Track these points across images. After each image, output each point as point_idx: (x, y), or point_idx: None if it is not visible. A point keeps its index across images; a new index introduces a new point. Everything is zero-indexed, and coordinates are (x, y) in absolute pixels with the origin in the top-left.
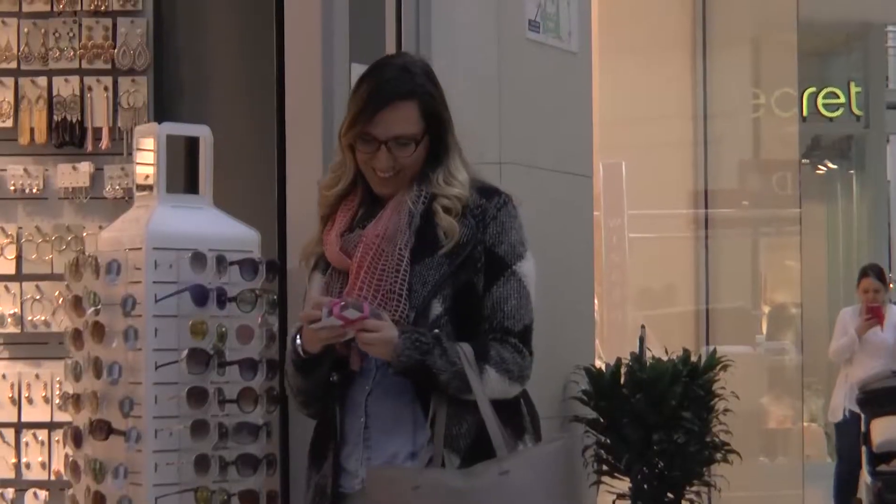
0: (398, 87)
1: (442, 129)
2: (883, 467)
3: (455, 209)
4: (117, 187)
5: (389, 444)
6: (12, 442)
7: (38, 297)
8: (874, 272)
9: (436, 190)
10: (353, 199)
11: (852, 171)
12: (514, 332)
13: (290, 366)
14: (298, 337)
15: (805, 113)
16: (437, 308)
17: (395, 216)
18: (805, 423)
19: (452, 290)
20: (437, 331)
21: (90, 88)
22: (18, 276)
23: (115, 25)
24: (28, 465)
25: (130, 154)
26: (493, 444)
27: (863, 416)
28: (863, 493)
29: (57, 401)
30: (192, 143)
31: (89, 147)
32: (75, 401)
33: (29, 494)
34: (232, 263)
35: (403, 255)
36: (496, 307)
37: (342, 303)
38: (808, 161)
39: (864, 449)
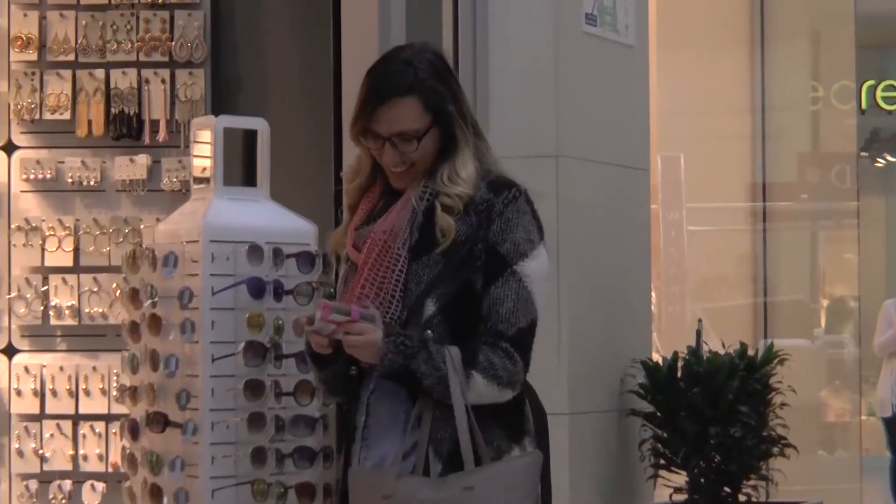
0: (397, 83)
1: (450, 122)
2: None
3: (456, 207)
4: (174, 180)
5: (384, 444)
6: (70, 434)
7: (95, 290)
8: None
9: (439, 188)
10: (374, 191)
11: None
12: (506, 336)
13: (308, 357)
14: None
15: (864, 106)
16: (430, 308)
17: (402, 212)
18: (863, 417)
19: (452, 289)
20: (428, 332)
21: (147, 81)
22: (76, 269)
23: (172, 18)
24: (86, 457)
25: (188, 147)
26: (463, 456)
27: None
28: None
29: (114, 393)
30: (249, 136)
31: (146, 139)
32: (132, 393)
33: (86, 486)
34: (289, 256)
35: (401, 255)
36: (491, 309)
37: (330, 305)
38: (866, 154)
39: None
